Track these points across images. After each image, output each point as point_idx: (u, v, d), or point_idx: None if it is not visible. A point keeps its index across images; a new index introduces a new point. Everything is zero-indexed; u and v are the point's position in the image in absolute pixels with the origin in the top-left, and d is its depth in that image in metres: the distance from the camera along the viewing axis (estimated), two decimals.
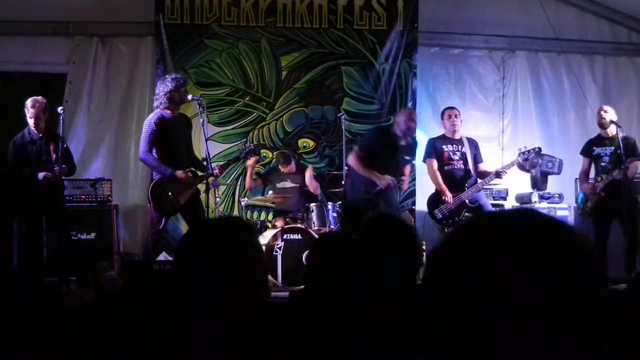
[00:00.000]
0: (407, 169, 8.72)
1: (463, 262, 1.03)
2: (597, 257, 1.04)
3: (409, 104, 10.16)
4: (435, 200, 8.56)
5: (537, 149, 8.56)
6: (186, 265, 1.97)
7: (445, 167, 8.58)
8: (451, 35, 10.49)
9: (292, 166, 9.47)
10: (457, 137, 8.70)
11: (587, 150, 8.73)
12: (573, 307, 0.98)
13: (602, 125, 8.55)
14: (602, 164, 8.51)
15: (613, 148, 8.42)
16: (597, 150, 8.59)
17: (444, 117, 8.81)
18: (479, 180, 8.53)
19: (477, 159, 8.71)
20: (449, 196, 8.38)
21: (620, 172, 8.20)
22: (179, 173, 7.63)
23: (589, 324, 0.99)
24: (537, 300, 0.98)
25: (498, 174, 8.40)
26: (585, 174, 8.69)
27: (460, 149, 8.62)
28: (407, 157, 8.51)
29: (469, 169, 8.56)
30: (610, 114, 8.50)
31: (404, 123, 8.24)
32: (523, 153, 8.55)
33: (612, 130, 8.49)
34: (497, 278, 0.99)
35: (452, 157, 8.59)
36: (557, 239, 1.03)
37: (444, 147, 8.63)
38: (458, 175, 8.55)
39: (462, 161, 8.58)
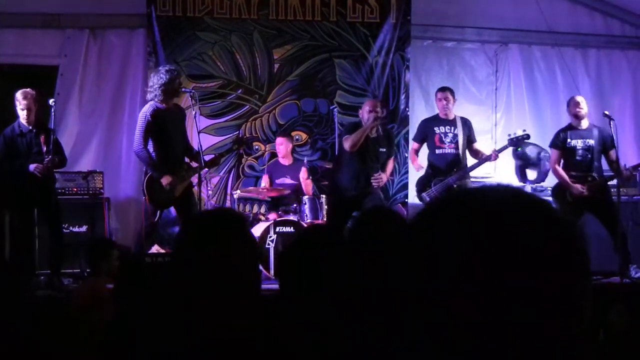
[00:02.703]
0: (389, 164, 8.49)
1: (441, 236, 0.99)
2: (581, 241, 1.01)
3: (402, 97, 10.16)
4: (423, 183, 8.55)
5: (526, 136, 8.48)
6: (184, 258, 1.96)
7: (437, 151, 8.51)
8: (444, 28, 10.47)
9: (288, 153, 9.43)
10: (450, 117, 8.59)
11: (561, 142, 8.49)
12: (554, 294, 0.95)
13: (578, 116, 8.44)
14: (578, 158, 8.37)
15: (592, 142, 8.34)
16: (572, 142, 8.41)
17: (436, 99, 8.78)
18: (469, 165, 8.52)
19: (471, 139, 8.65)
20: (417, 166, 8.66)
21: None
22: (164, 180, 7.64)
23: (567, 312, 0.97)
24: (515, 282, 0.94)
25: (489, 158, 8.40)
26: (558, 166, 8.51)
27: (452, 131, 8.50)
28: (381, 149, 8.19)
29: (459, 154, 8.46)
30: (584, 106, 8.46)
31: (367, 114, 8.06)
32: (512, 139, 8.50)
33: (586, 122, 8.45)
34: (476, 256, 0.95)
35: (444, 139, 8.48)
36: (545, 219, 1.00)
37: (435, 129, 8.54)
38: (448, 159, 8.46)
39: (453, 144, 8.47)
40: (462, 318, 0.95)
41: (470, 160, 8.64)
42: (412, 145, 8.89)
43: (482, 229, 0.96)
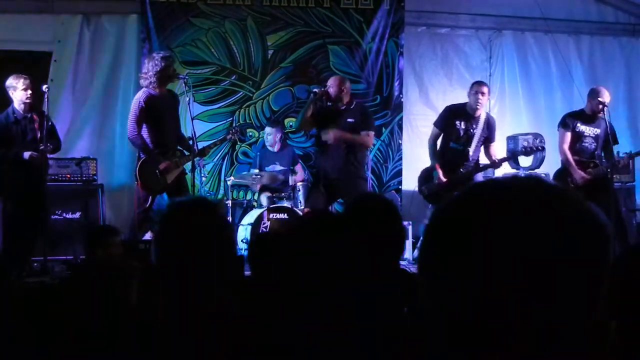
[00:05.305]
0: (365, 135, 8.24)
1: (468, 229, 1.01)
2: (607, 231, 1.02)
3: (396, 84, 10.16)
4: (425, 176, 8.46)
5: (541, 147, 8.49)
6: (165, 243, 1.99)
7: (452, 144, 8.31)
8: (438, 14, 10.47)
9: (277, 141, 9.44)
10: (477, 114, 8.29)
11: (572, 124, 8.44)
12: (578, 281, 0.97)
13: (596, 110, 8.31)
14: (584, 144, 8.39)
15: (599, 131, 8.35)
16: (581, 127, 8.40)
17: (471, 91, 8.33)
18: (477, 169, 8.30)
19: (489, 139, 8.36)
20: (440, 173, 8.19)
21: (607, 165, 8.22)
22: (162, 165, 7.67)
23: (589, 299, 0.98)
24: (543, 273, 0.96)
25: (494, 165, 8.30)
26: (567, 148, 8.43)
27: (472, 129, 8.25)
28: (349, 120, 8.09)
29: (468, 150, 8.24)
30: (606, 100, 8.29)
31: (331, 88, 8.18)
32: (525, 147, 8.48)
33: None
34: (504, 248, 0.96)
35: (460, 136, 8.26)
36: (571, 210, 1.01)
37: (457, 122, 8.26)
38: (458, 155, 8.27)
39: (467, 141, 8.26)
40: (486, 301, 0.97)
41: (482, 159, 8.44)
42: (433, 131, 8.45)
43: (513, 219, 0.99)
